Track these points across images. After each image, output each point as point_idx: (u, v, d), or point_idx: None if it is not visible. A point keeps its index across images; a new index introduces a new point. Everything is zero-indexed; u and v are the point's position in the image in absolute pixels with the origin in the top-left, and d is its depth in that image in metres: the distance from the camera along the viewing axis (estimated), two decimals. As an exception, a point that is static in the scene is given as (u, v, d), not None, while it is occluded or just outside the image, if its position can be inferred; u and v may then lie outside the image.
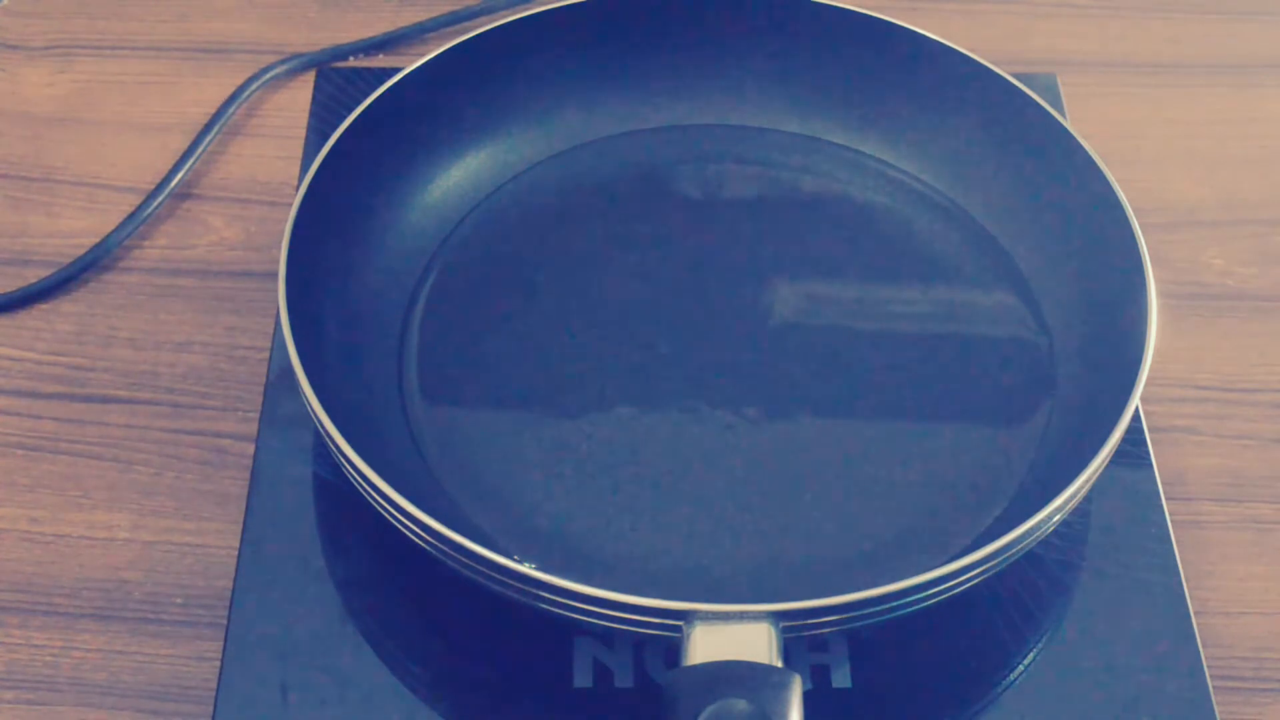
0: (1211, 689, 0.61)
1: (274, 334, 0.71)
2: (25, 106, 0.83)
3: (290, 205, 0.66)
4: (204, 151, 0.80)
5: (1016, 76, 0.73)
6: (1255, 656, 0.64)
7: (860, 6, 0.76)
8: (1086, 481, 0.59)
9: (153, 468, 0.69)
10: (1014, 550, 0.58)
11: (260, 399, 0.69)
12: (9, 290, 0.74)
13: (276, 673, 0.60)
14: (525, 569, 0.56)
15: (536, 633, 0.61)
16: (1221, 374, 0.73)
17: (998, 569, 0.58)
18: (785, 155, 0.77)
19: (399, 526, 0.58)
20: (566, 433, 0.66)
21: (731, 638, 0.54)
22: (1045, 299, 0.71)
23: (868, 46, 0.76)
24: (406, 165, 0.73)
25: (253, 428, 0.68)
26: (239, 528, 0.65)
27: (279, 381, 0.68)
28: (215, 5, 0.89)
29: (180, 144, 0.80)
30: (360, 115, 0.70)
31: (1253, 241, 0.79)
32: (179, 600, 0.65)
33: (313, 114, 0.81)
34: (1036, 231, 0.72)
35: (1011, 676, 0.62)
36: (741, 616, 0.55)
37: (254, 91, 0.83)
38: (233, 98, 0.82)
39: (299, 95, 0.83)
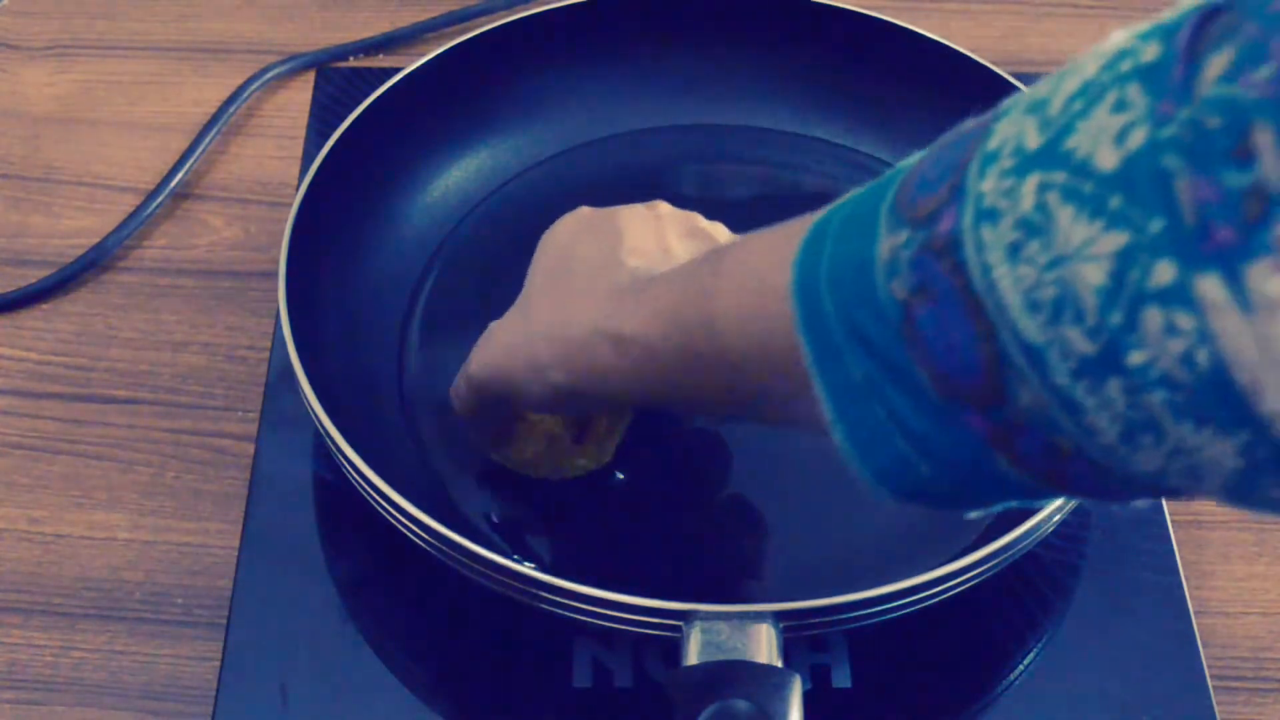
0: (1211, 689, 0.61)
1: (274, 334, 0.71)
2: (25, 106, 0.83)
3: (290, 205, 0.67)
4: (204, 151, 0.80)
5: (1016, 76, 0.73)
6: (1255, 656, 0.64)
7: (860, 6, 0.76)
8: (1086, 481, 0.59)
9: (153, 468, 0.69)
10: (1014, 550, 0.58)
11: (260, 399, 0.69)
12: (9, 290, 0.74)
13: (276, 673, 0.60)
14: (525, 569, 0.56)
15: (536, 633, 0.61)
16: (1221, 374, 0.73)
17: (998, 569, 0.58)
18: (785, 155, 0.77)
19: (399, 526, 0.58)
20: (566, 433, 0.66)
21: (731, 638, 0.54)
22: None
23: (868, 46, 0.76)
24: (406, 165, 0.73)
25: (253, 428, 0.68)
26: (239, 528, 0.65)
27: (279, 381, 0.68)
28: (215, 5, 0.89)
29: (180, 144, 0.80)
30: (360, 115, 0.70)
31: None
32: (179, 600, 0.65)
33: (313, 114, 0.81)
34: (1036, 231, 0.72)
35: (1011, 676, 0.62)
36: (741, 616, 0.55)
37: (254, 91, 0.83)
38: (233, 98, 0.82)
39: (299, 95, 0.83)
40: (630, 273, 0.54)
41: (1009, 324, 0.35)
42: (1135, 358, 0.33)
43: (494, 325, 0.59)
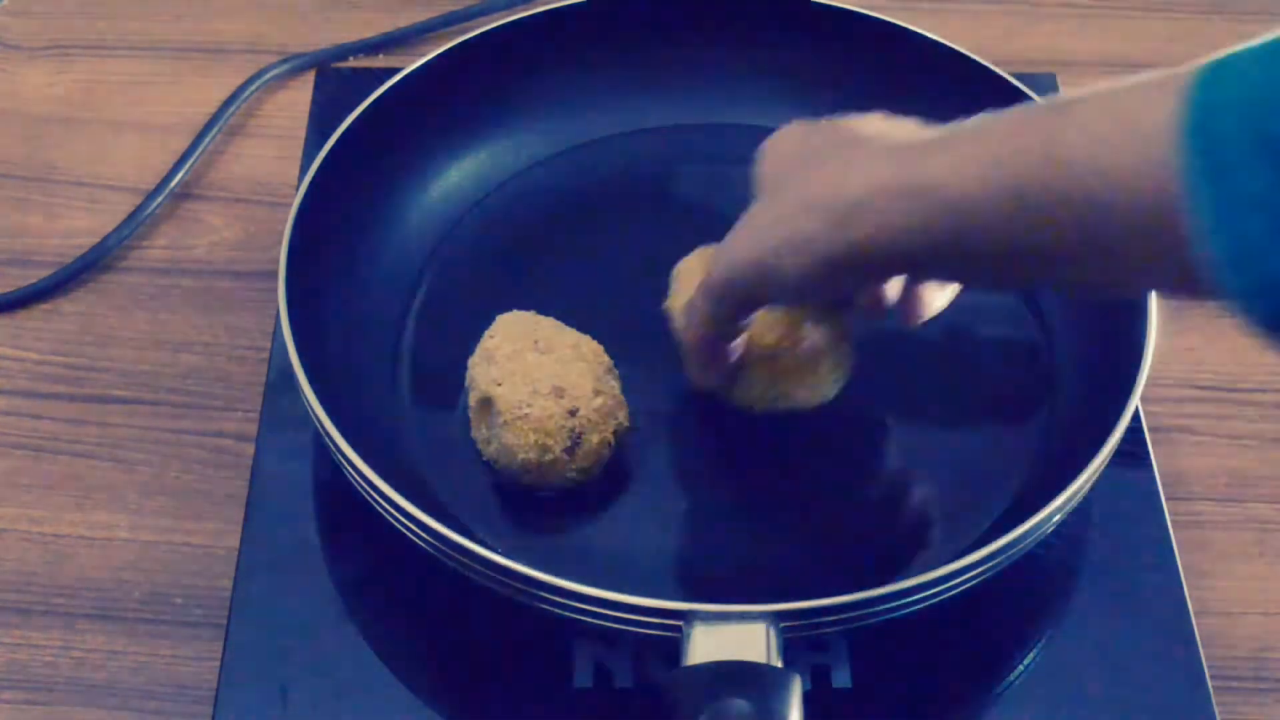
0: (1211, 689, 0.61)
1: (274, 334, 0.71)
2: (25, 106, 0.83)
3: (290, 205, 0.67)
4: (204, 151, 0.80)
5: (1016, 76, 0.73)
6: (1255, 656, 0.64)
7: (860, 6, 0.76)
8: (1086, 481, 0.59)
9: (153, 468, 0.69)
10: (1014, 550, 0.58)
11: (260, 399, 0.69)
12: (9, 290, 0.74)
13: (276, 673, 0.60)
14: (525, 569, 0.56)
15: (536, 633, 0.61)
16: (1221, 374, 0.73)
17: (998, 569, 0.58)
18: (785, 155, 0.77)
19: (399, 526, 0.58)
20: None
21: (731, 638, 0.54)
22: (1045, 299, 0.71)
23: (868, 46, 0.76)
24: (406, 165, 0.73)
25: (253, 428, 0.68)
26: (239, 528, 0.65)
27: (279, 381, 0.68)
28: (215, 5, 0.89)
29: (180, 144, 0.80)
30: (360, 115, 0.70)
31: (1253, 241, 0.79)
32: (179, 600, 0.65)
33: (313, 114, 0.81)
34: (1036, 231, 0.72)
35: (1011, 676, 0.62)
36: (741, 616, 0.55)
37: (254, 91, 0.83)
38: (233, 98, 0.82)
39: (299, 95, 0.83)
40: (897, 139, 0.55)
41: None
42: None
43: (729, 236, 0.58)
